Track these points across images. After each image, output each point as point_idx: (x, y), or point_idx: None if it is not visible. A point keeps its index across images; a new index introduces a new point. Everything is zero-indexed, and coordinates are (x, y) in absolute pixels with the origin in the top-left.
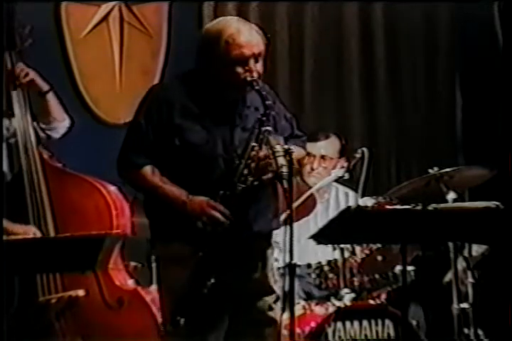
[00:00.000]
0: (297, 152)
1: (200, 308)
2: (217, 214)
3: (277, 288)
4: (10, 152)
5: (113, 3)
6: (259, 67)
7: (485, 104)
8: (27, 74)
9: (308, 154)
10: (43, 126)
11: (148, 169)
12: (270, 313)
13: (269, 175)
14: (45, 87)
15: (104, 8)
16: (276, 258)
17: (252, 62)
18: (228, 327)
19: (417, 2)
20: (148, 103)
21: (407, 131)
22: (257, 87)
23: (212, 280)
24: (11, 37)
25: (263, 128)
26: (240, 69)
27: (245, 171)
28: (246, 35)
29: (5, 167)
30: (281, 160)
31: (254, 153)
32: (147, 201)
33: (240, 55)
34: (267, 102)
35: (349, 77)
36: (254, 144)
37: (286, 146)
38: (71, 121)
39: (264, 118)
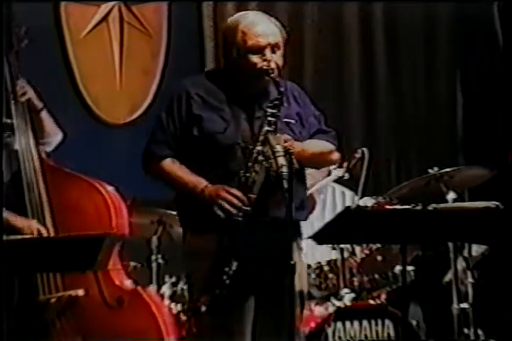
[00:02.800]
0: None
1: (221, 296)
2: (231, 198)
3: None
4: (8, 152)
5: (113, 3)
6: (276, 58)
7: (485, 104)
8: (24, 94)
9: None
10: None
11: (168, 160)
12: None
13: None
14: (39, 104)
15: (104, 8)
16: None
17: (268, 51)
18: (254, 315)
19: (417, 2)
20: (170, 97)
21: (407, 131)
22: (272, 75)
23: (233, 268)
24: (8, 37)
25: (270, 112)
26: (256, 59)
27: (260, 157)
28: (262, 26)
29: (3, 167)
30: (281, 160)
31: (265, 138)
32: (177, 195)
33: (256, 44)
34: (281, 88)
35: (349, 77)
36: (267, 129)
37: (289, 139)
38: (63, 135)
39: (276, 103)
